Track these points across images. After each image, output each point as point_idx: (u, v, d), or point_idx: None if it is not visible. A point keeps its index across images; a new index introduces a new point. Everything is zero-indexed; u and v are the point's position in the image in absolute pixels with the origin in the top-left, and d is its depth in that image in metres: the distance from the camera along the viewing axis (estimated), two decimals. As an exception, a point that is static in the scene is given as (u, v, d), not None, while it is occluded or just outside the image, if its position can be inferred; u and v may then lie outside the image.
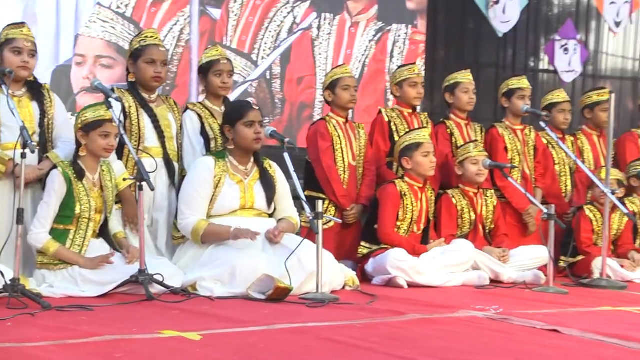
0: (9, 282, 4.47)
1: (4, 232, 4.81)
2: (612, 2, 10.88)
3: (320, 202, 5.21)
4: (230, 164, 5.54)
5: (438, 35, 9.79)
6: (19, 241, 4.54)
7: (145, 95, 5.69)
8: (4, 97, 4.95)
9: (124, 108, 5.51)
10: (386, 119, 6.73)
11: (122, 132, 5.10)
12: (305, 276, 5.19)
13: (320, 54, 8.75)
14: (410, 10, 9.34)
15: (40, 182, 5.18)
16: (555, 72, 10.59)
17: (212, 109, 5.93)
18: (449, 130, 6.94)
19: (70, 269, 5.01)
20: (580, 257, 6.82)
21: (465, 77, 6.99)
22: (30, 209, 5.13)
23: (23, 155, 4.55)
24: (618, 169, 7.14)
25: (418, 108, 7.02)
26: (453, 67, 9.23)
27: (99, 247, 5.16)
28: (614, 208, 6.58)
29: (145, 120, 5.64)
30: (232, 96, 6.30)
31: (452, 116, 7.03)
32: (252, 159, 5.61)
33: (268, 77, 8.50)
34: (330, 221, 5.93)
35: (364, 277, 5.99)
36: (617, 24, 10.97)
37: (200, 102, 6.04)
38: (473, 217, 6.51)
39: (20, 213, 4.53)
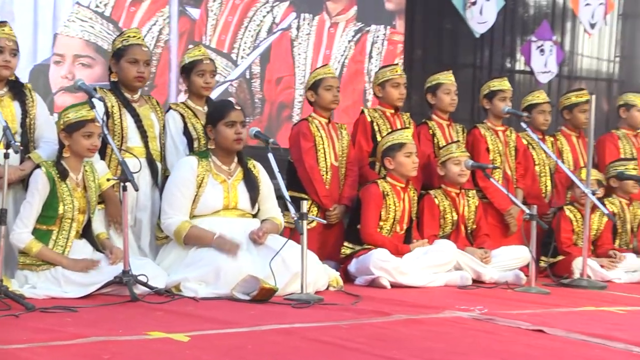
0: (-9, 283, 4.44)
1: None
2: (587, 4, 10.95)
3: (305, 202, 5.20)
4: (214, 164, 5.53)
5: (415, 36, 9.81)
6: (1, 242, 4.50)
7: (127, 95, 5.66)
8: (-14, 96, 4.91)
9: (106, 108, 5.47)
10: (369, 119, 6.75)
11: (106, 132, 5.07)
12: (289, 277, 5.18)
13: (299, 54, 8.74)
14: (388, 11, 9.35)
15: (22, 183, 5.15)
16: (531, 72, 10.65)
17: (195, 108, 5.92)
18: (431, 130, 6.96)
19: (53, 270, 4.97)
20: (560, 257, 6.87)
21: (447, 78, 7.02)
22: (12, 209, 5.07)
23: (6, 156, 4.52)
24: (597, 170, 7.19)
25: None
26: (430, 67, 9.30)
27: (82, 248, 5.13)
28: (594, 208, 6.63)
29: (128, 120, 5.61)
30: (212, 96, 6.25)
31: (434, 117, 7.06)
32: (235, 159, 5.59)
33: (248, 76, 8.48)
34: (312, 221, 5.92)
35: (347, 278, 5.99)
36: (592, 26, 11.05)
37: (183, 102, 6.02)
38: (455, 217, 6.53)
39: (2, 213, 4.49)
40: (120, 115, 5.59)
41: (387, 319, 4.53)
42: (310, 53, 8.80)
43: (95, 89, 5.27)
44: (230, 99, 7.89)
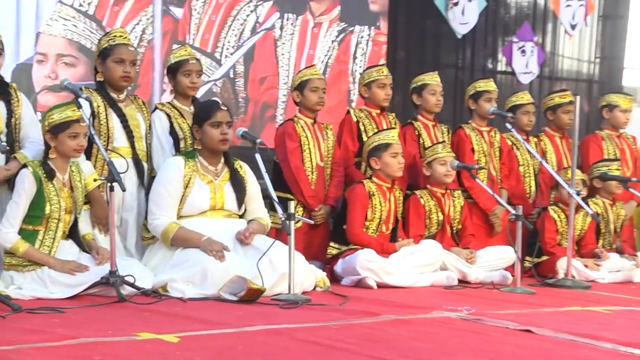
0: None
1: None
2: (568, 5, 10.99)
3: (293, 203, 5.21)
4: (200, 164, 5.52)
5: (398, 37, 9.81)
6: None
7: (113, 95, 5.64)
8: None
9: (92, 108, 5.45)
10: (354, 119, 6.76)
11: (92, 132, 5.04)
12: (276, 277, 5.18)
13: (283, 54, 8.73)
14: (373, 12, 9.36)
15: (7, 183, 5.12)
16: (512, 73, 10.67)
17: (181, 108, 5.90)
18: (416, 131, 6.98)
19: (39, 271, 4.95)
20: (544, 257, 6.89)
21: (432, 79, 7.03)
22: (-2, 209, 5.07)
23: (-7, 156, 4.50)
24: (581, 170, 7.22)
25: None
26: (413, 68, 9.33)
27: (69, 248, 5.11)
28: (577, 208, 6.65)
29: (114, 120, 5.59)
30: (196, 95, 6.24)
31: (420, 117, 7.07)
32: (222, 160, 5.58)
33: (232, 76, 8.46)
34: (298, 221, 5.92)
35: (333, 278, 5.99)
36: (573, 27, 11.10)
37: (169, 102, 6.00)
38: (441, 217, 6.54)
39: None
40: (106, 115, 5.56)
41: (375, 319, 4.54)
42: (293, 53, 8.79)
43: (81, 89, 5.24)
44: (215, 98, 7.85)
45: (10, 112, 5.24)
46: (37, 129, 5.27)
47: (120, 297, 4.76)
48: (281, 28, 8.74)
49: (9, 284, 4.94)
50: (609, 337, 4.23)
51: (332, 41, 9.03)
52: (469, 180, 6.85)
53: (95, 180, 5.30)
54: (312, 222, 5.84)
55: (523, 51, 10.72)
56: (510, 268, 6.41)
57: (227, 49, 8.42)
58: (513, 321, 4.57)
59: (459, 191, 6.79)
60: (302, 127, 6.46)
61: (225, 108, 5.55)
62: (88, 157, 5.45)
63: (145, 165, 5.71)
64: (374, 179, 6.26)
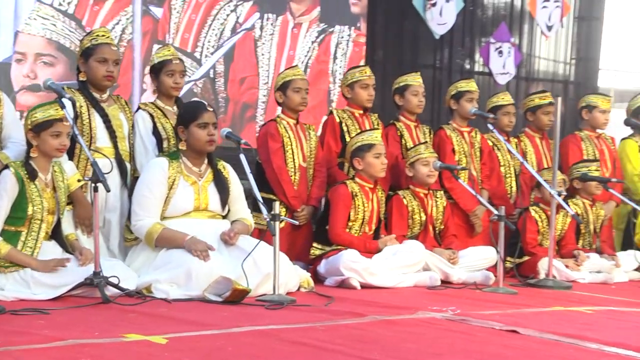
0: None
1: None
2: (544, 7, 11.06)
3: (277, 203, 5.20)
4: (184, 165, 5.50)
5: (377, 37, 9.83)
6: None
7: (96, 95, 5.61)
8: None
9: (75, 108, 5.41)
10: (337, 120, 6.77)
11: (76, 132, 5.01)
12: (261, 278, 5.17)
13: (263, 54, 8.72)
14: (353, 13, 9.37)
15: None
16: (490, 74, 10.71)
17: (164, 108, 5.89)
18: (398, 132, 6.99)
19: (22, 272, 4.90)
20: (526, 258, 6.92)
21: (415, 80, 7.05)
22: (-21, 211, 5.02)
23: (-26, 157, 4.46)
24: (560, 171, 7.26)
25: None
26: (391, 68, 9.36)
27: (52, 249, 5.07)
28: (557, 209, 6.69)
29: (97, 120, 5.56)
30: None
31: (402, 118, 7.09)
32: (205, 160, 5.57)
33: (212, 76, 8.44)
34: (282, 222, 5.91)
35: (316, 278, 5.98)
36: (549, 28, 11.17)
37: (152, 102, 5.98)
38: (423, 217, 6.56)
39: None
40: (89, 115, 5.54)
41: (362, 320, 4.54)
42: (274, 53, 8.78)
43: (63, 89, 5.21)
44: (195, 98, 7.85)
45: (-9, 112, 5.21)
46: (20, 129, 5.23)
47: (105, 298, 4.73)
48: (261, 28, 8.73)
49: (-9, 286, 4.90)
50: (593, 337, 4.26)
51: (312, 42, 9.03)
52: (449, 181, 6.88)
53: (79, 180, 5.27)
54: (297, 222, 5.83)
55: (500, 52, 10.77)
56: (492, 268, 6.44)
57: (207, 48, 8.40)
58: (498, 321, 4.58)
59: (442, 192, 6.81)
60: (284, 127, 6.46)
61: (212, 109, 5.54)
62: (70, 158, 5.41)
63: (128, 165, 5.69)
64: (357, 179, 6.27)
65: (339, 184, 6.28)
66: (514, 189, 7.53)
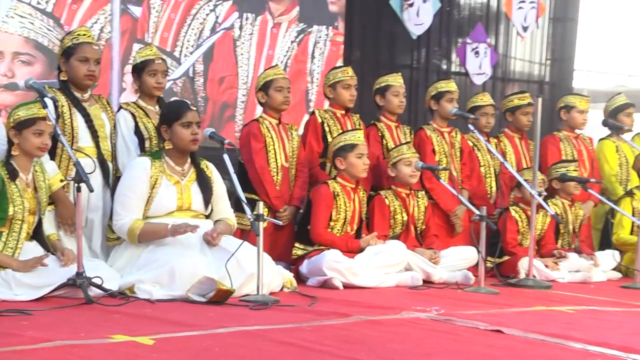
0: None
1: None
2: (520, 7, 11.10)
3: (262, 203, 5.19)
4: (167, 165, 5.48)
5: (354, 37, 9.83)
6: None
7: (77, 94, 5.58)
8: None
9: (56, 107, 5.38)
10: (319, 120, 6.77)
11: (59, 131, 4.98)
12: (244, 278, 5.16)
13: (242, 54, 8.70)
14: (331, 12, 9.37)
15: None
16: (466, 74, 10.74)
17: (146, 108, 5.87)
18: (380, 132, 7.00)
19: (3, 273, 4.85)
20: (506, 257, 6.95)
21: (396, 80, 7.06)
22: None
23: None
24: (539, 171, 7.30)
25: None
26: (368, 68, 9.36)
27: (33, 250, 5.03)
28: (538, 209, 6.72)
29: (79, 120, 5.53)
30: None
31: (383, 118, 7.10)
32: (188, 160, 5.55)
33: (191, 75, 8.41)
34: (265, 222, 5.90)
35: (299, 279, 5.97)
36: (525, 29, 11.21)
37: (133, 102, 5.95)
38: (405, 217, 6.57)
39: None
40: (71, 114, 5.50)
41: (347, 320, 4.54)
42: (253, 53, 8.76)
43: (44, 87, 5.18)
44: (175, 98, 7.82)
45: (-29, 112, 5.17)
46: (0, 128, 5.18)
47: (88, 298, 4.70)
48: (240, 28, 8.71)
49: (-28, 287, 4.86)
50: (577, 336, 4.28)
51: (292, 42, 9.02)
52: (430, 181, 6.90)
53: (61, 180, 5.24)
54: (280, 223, 5.81)
55: (476, 52, 10.81)
56: (473, 268, 6.47)
57: (187, 48, 8.37)
58: (482, 321, 4.60)
59: (423, 192, 6.83)
60: (267, 127, 6.45)
61: (195, 108, 5.53)
62: (52, 157, 5.38)
63: (110, 165, 5.67)
64: (339, 179, 6.27)
65: (320, 183, 6.29)
66: (494, 189, 7.57)
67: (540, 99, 6.78)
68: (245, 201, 5.21)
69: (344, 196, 6.21)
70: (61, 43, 5.70)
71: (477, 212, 6.14)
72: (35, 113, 4.96)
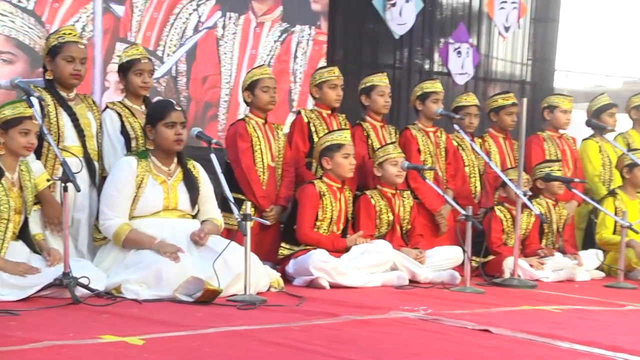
0: None
1: None
2: (502, 8, 11.12)
3: (249, 203, 5.18)
4: (153, 164, 5.46)
5: (337, 37, 9.82)
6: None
7: (63, 94, 5.55)
8: None
9: (42, 107, 5.34)
10: (305, 120, 6.77)
11: (45, 131, 4.95)
12: (231, 278, 5.16)
13: (225, 54, 8.67)
14: (314, 12, 9.36)
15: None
16: (448, 74, 10.75)
17: (132, 107, 5.84)
18: (365, 132, 7.00)
19: (-11, 273, 4.83)
20: (491, 257, 6.97)
21: (381, 80, 7.07)
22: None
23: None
24: (524, 171, 7.32)
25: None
26: (351, 68, 9.34)
27: (19, 249, 5.01)
28: (522, 208, 6.74)
29: (65, 119, 5.50)
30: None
31: (368, 118, 7.10)
32: (175, 160, 5.53)
33: (174, 74, 8.38)
34: (251, 221, 5.88)
35: (285, 278, 5.95)
36: (507, 29, 11.24)
37: (119, 101, 5.93)
38: (391, 217, 6.58)
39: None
40: (57, 113, 5.47)
41: (336, 320, 4.54)
42: (236, 52, 8.73)
43: (30, 87, 5.15)
44: (158, 97, 7.79)
45: (-43, 111, 5.11)
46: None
47: (75, 299, 4.68)
48: (223, 27, 8.68)
49: (-43, 287, 4.82)
50: (565, 336, 4.30)
51: (275, 41, 9.00)
52: (415, 181, 6.91)
53: (48, 180, 5.21)
54: (268, 223, 5.80)
55: (459, 52, 10.82)
56: (458, 268, 6.48)
57: (170, 47, 8.33)
58: (470, 321, 4.61)
59: (409, 191, 6.83)
60: (253, 127, 6.44)
61: (180, 108, 5.51)
62: (38, 157, 5.35)
63: (96, 164, 5.64)
64: (325, 179, 6.27)
65: (306, 183, 6.28)
66: (479, 188, 7.59)
67: (525, 100, 6.78)
68: (233, 201, 5.19)
69: (330, 196, 6.20)
70: (46, 42, 5.67)
71: (463, 212, 6.15)
72: (21, 112, 4.95)
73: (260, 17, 8.91)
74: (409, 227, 6.73)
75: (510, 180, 6.79)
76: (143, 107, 5.87)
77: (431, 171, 7.03)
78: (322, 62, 9.17)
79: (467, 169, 7.53)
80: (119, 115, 5.77)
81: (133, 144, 5.73)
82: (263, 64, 7.38)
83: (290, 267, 6.07)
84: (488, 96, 9.90)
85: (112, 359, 3.47)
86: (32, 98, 4.95)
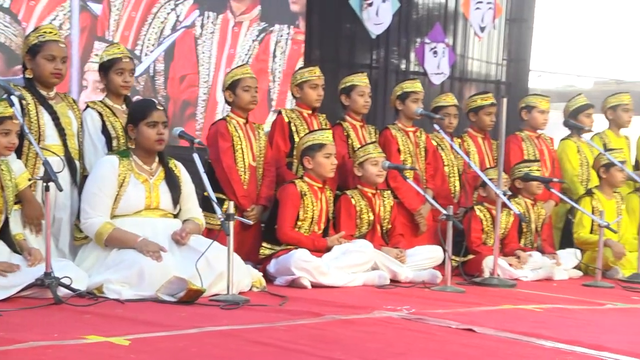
0: None
1: None
2: (477, 8, 11.17)
3: (232, 203, 5.17)
4: (135, 163, 5.43)
5: (314, 36, 9.83)
6: None
7: (43, 92, 5.51)
8: None
9: (22, 105, 5.30)
10: (286, 120, 6.76)
11: (27, 130, 4.92)
12: (214, 277, 5.15)
13: (203, 53, 8.66)
14: (292, 11, 9.36)
15: None
16: (425, 74, 10.78)
17: (113, 107, 5.81)
18: (345, 131, 7.00)
19: (-30, 273, 4.79)
20: (470, 256, 6.99)
21: (361, 80, 7.08)
22: None
23: None
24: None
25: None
26: (328, 67, 9.30)
27: (0, 249, 4.96)
28: (501, 208, 6.77)
29: (45, 118, 5.46)
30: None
31: (348, 118, 7.10)
32: (157, 159, 5.51)
33: (152, 73, 8.35)
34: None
35: (266, 278, 5.93)
36: (482, 29, 11.29)
37: (100, 101, 5.89)
38: (371, 217, 6.59)
39: None
40: (37, 112, 5.43)
41: (320, 319, 4.54)
42: (214, 52, 8.72)
43: (10, 85, 5.11)
44: (137, 97, 7.75)
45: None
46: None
47: (57, 299, 4.65)
48: (201, 26, 8.66)
49: (-63, 287, 4.77)
50: (548, 335, 4.33)
51: (253, 40, 8.99)
52: (395, 180, 6.92)
53: (30, 179, 5.17)
54: (250, 222, 5.78)
55: (435, 52, 10.86)
56: (438, 267, 6.50)
57: (148, 46, 8.31)
58: (453, 320, 4.63)
59: (389, 191, 6.84)
60: (234, 126, 6.43)
61: (162, 108, 5.49)
62: (19, 156, 5.31)
63: (77, 163, 5.60)
64: (306, 178, 6.26)
65: (287, 183, 6.28)
66: (458, 188, 7.62)
67: (505, 100, 6.82)
68: (216, 201, 5.18)
69: (311, 196, 6.20)
70: (26, 40, 5.63)
71: (444, 211, 6.17)
72: (1, 112, 4.90)
73: (239, 17, 8.91)
74: (389, 226, 6.74)
75: (489, 179, 6.81)
76: (124, 106, 5.84)
77: (412, 171, 7.03)
78: (301, 62, 9.17)
79: (446, 169, 7.55)
80: (100, 114, 5.73)
81: (114, 143, 5.70)
82: (244, 64, 7.36)
83: (271, 266, 6.07)
84: (464, 96, 9.99)
85: (100, 359, 3.46)
86: (12, 97, 4.91)
